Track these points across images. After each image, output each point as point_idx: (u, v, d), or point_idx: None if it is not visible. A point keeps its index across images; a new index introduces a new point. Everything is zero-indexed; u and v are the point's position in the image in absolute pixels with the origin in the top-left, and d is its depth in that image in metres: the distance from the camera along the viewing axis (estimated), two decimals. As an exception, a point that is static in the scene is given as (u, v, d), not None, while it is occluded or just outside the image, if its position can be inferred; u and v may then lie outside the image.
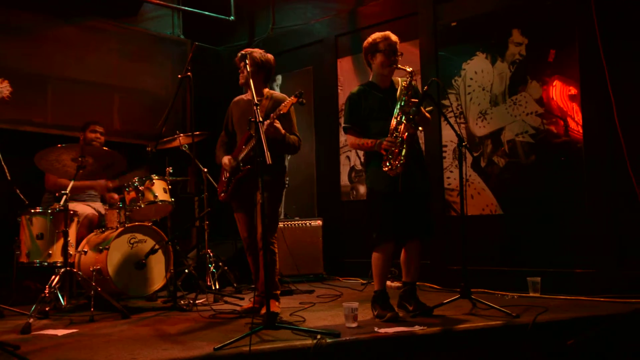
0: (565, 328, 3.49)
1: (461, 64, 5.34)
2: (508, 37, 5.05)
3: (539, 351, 3.42)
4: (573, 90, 4.71)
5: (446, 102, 5.38)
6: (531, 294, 4.41)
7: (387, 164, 3.67)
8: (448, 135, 5.37)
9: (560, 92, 4.78)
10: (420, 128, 3.75)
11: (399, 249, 3.93)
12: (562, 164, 4.71)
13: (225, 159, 4.18)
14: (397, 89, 3.84)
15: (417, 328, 3.32)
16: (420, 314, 3.74)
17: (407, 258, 3.93)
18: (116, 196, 5.36)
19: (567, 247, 4.63)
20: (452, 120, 5.08)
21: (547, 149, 4.81)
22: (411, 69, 3.80)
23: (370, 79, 3.99)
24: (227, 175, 4.19)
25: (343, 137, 6.17)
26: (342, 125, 3.98)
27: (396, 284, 4.95)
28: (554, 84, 4.81)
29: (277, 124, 3.86)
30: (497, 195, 5.09)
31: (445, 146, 5.42)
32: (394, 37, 3.87)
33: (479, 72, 5.23)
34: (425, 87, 3.85)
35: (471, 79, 5.28)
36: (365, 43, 3.92)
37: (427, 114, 3.91)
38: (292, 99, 3.78)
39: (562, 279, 4.52)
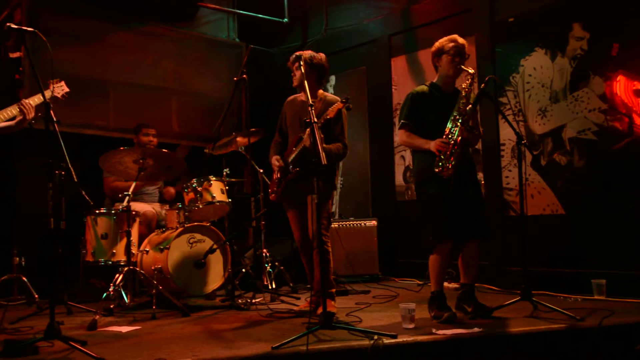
0: (633, 332, 3.36)
1: (519, 60, 5.21)
2: (568, 32, 4.89)
3: (605, 356, 3.30)
4: (638, 85, 4.52)
5: (504, 100, 5.26)
6: (596, 297, 4.27)
7: (440, 164, 3.65)
8: (506, 134, 5.25)
9: (624, 88, 4.60)
10: (476, 132, 3.72)
11: (457, 250, 3.87)
12: (627, 161, 4.53)
13: (274, 159, 4.21)
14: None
15: (476, 330, 3.26)
16: (479, 316, 3.68)
17: (465, 259, 3.87)
18: (172, 190, 5.52)
19: (634, 248, 4.44)
20: (510, 118, 4.96)
21: (611, 146, 4.63)
22: (473, 70, 3.80)
23: (435, 80, 3.97)
24: (278, 175, 4.22)
25: (398, 137, 6.12)
26: (400, 121, 3.95)
27: (453, 285, 4.88)
28: (618, 79, 4.63)
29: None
30: (558, 194, 4.94)
31: (503, 144, 5.30)
32: (461, 40, 3.89)
33: (538, 68, 5.09)
34: (482, 85, 3.79)
35: (530, 75, 5.15)
36: (433, 47, 3.95)
37: (480, 127, 3.89)
38: (339, 105, 3.77)
39: (629, 281, 4.33)
